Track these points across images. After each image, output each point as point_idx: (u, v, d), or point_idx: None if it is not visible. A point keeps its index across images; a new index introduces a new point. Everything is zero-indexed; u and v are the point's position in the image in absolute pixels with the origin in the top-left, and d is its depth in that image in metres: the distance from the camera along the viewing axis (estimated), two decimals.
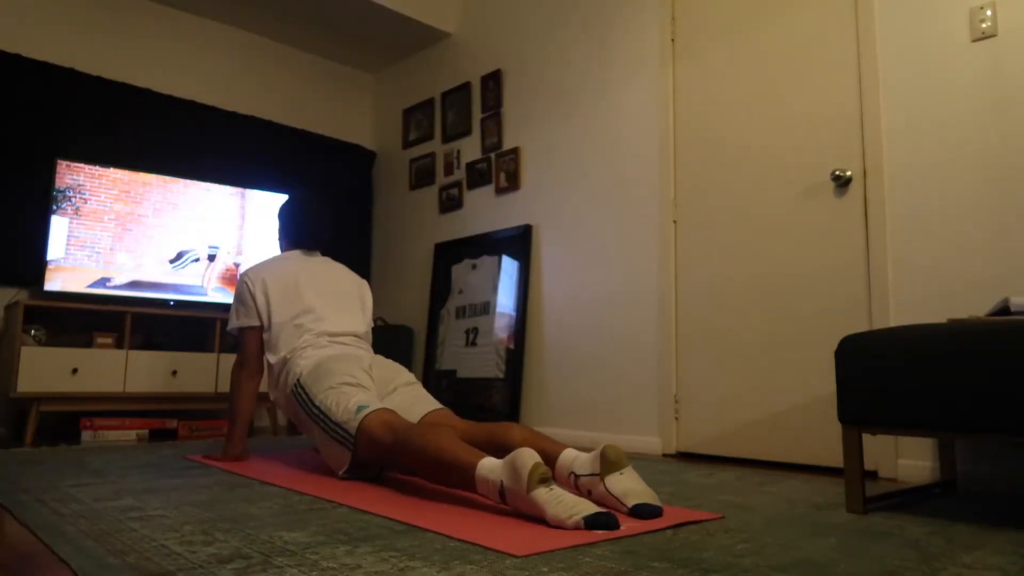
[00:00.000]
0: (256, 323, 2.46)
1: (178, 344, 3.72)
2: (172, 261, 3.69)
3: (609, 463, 1.67)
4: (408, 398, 2.29)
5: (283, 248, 2.73)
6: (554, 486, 1.50)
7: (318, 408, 2.16)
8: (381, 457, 1.98)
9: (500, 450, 1.87)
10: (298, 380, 2.28)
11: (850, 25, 2.62)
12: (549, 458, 1.82)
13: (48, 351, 3.20)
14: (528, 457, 1.51)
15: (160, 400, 3.50)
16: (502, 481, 1.55)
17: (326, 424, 2.11)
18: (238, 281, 2.53)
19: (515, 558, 1.23)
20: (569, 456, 1.80)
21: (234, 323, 2.49)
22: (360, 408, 2.04)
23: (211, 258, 3.82)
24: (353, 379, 2.20)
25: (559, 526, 1.45)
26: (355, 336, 2.51)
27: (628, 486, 1.64)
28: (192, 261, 3.75)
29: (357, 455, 2.03)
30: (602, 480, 1.66)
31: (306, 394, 2.23)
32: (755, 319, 2.79)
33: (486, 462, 1.63)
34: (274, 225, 2.78)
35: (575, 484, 1.74)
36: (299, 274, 2.51)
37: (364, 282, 2.71)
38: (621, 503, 1.62)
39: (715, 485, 2.13)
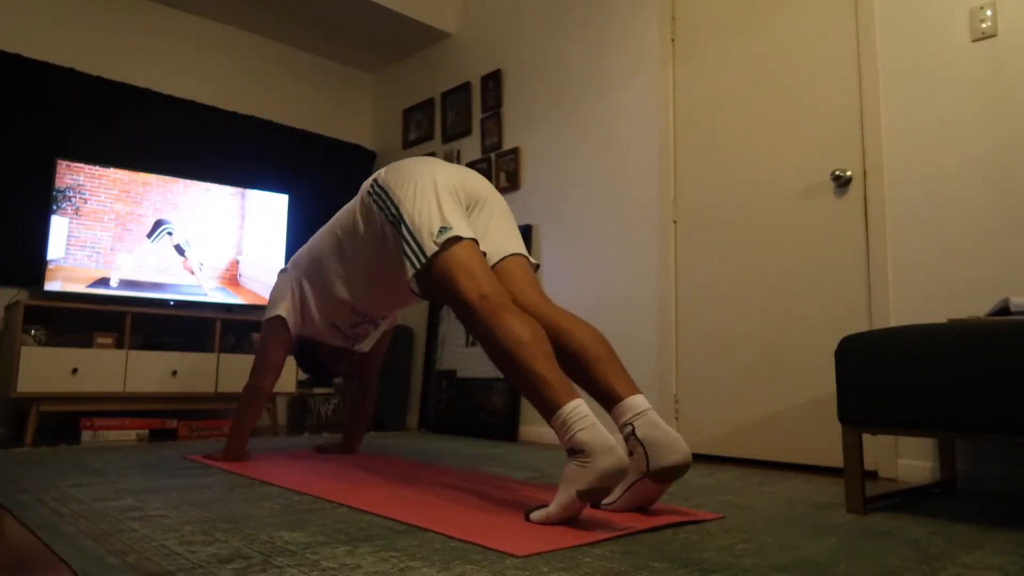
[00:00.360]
0: (288, 311, 2.32)
1: (178, 344, 3.72)
2: (149, 235, 3.65)
3: (665, 477, 1.56)
4: (495, 226, 1.95)
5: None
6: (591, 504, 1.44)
7: (396, 207, 1.84)
8: (449, 303, 1.74)
9: (559, 345, 1.70)
10: (375, 180, 1.98)
11: (850, 25, 2.62)
12: (615, 396, 1.64)
13: (48, 351, 3.20)
14: (613, 472, 1.39)
15: (160, 400, 3.50)
16: (583, 448, 1.41)
17: (401, 228, 1.81)
18: (280, 277, 2.45)
19: (515, 558, 1.23)
20: (638, 406, 1.61)
21: (267, 315, 2.38)
22: (443, 230, 1.74)
23: (179, 250, 3.76)
24: (438, 180, 1.86)
25: (537, 515, 1.46)
26: None
27: (648, 501, 1.60)
28: (167, 234, 3.70)
29: (423, 284, 1.78)
30: (647, 477, 1.56)
31: (384, 192, 1.90)
32: (755, 319, 2.79)
33: (574, 410, 1.46)
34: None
35: (624, 434, 1.60)
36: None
37: None
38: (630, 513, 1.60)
39: (715, 485, 2.13)
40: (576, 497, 1.42)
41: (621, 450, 1.43)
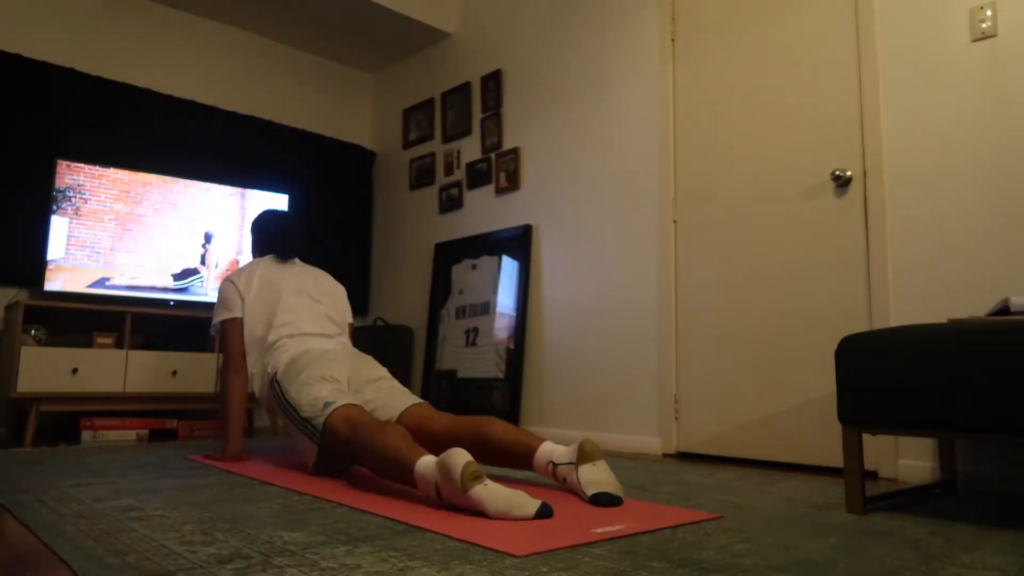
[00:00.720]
0: (239, 315, 2.53)
1: (178, 344, 3.72)
2: (176, 277, 3.69)
3: (584, 454, 1.81)
4: (385, 392, 2.34)
5: (257, 257, 2.80)
6: (488, 482, 1.57)
7: (290, 403, 2.24)
8: (342, 451, 2.05)
9: (482, 444, 1.98)
10: (275, 375, 2.38)
11: (850, 25, 2.62)
12: (529, 450, 1.93)
13: (48, 351, 3.20)
14: (459, 456, 1.58)
15: (160, 400, 3.50)
16: (437, 481, 1.62)
17: (297, 419, 2.20)
18: (221, 283, 2.63)
19: (515, 558, 1.23)
20: (548, 448, 1.91)
21: (216, 320, 2.58)
22: (327, 404, 2.12)
23: (207, 237, 3.80)
24: (325, 374, 2.27)
25: (503, 518, 1.52)
26: (330, 336, 2.58)
27: (594, 477, 1.78)
28: (198, 283, 3.76)
29: (323, 449, 2.11)
30: (576, 469, 1.81)
31: (281, 389, 2.31)
32: (755, 319, 2.79)
33: (424, 460, 1.70)
34: (249, 238, 2.86)
35: (553, 472, 1.88)
36: (278, 277, 2.61)
37: (340, 286, 2.79)
38: (583, 492, 1.76)
39: (715, 485, 2.13)
40: (469, 496, 1.54)
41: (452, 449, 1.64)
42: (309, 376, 2.26)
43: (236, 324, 2.53)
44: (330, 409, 2.10)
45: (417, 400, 2.33)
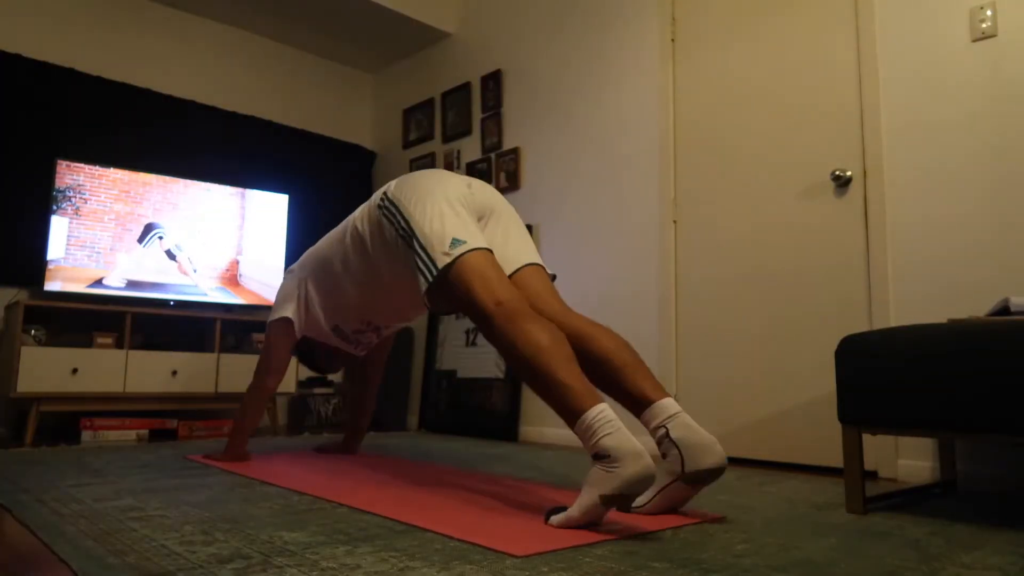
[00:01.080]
0: (294, 312, 2.33)
1: (178, 344, 3.72)
2: (140, 240, 3.64)
3: (700, 480, 1.54)
4: (508, 236, 1.92)
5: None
6: (609, 509, 1.40)
7: (406, 221, 1.80)
8: (466, 313, 1.69)
9: (584, 353, 1.68)
10: (385, 193, 1.94)
11: (850, 25, 2.62)
12: (645, 400, 1.61)
13: (48, 351, 3.20)
14: (639, 479, 1.35)
15: (160, 400, 3.50)
16: (609, 454, 1.37)
17: (413, 243, 1.77)
18: (286, 277, 2.46)
19: (515, 558, 1.23)
20: (670, 408, 1.58)
21: (273, 316, 2.39)
22: (456, 242, 1.70)
23: (170, 255, 3.75)
24: (449, 194, 1.82)
25: (557, 519, 1.44)
26: None
27: (679, 503, 1.59)
28: (157, 238, 3.69)
29: (432, 289, 1.72)
30: (678, 479, 1.54)
31: (395, 206, 1.86)
32: (755, 319, 2.79)
33: (599, 415, 1.41)
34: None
35: (656, 437, 1.58)
36: None
37: None
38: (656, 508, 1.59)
39: (715, 485, 2.13)
40: (599, 502, 1.38)
41: (648, 457, 1.38)
42: (430, 191, 1.81)
43: (288, 330, 2.35)
44: (460, 250, 1.67)
45: (535, 259, 1.91)
